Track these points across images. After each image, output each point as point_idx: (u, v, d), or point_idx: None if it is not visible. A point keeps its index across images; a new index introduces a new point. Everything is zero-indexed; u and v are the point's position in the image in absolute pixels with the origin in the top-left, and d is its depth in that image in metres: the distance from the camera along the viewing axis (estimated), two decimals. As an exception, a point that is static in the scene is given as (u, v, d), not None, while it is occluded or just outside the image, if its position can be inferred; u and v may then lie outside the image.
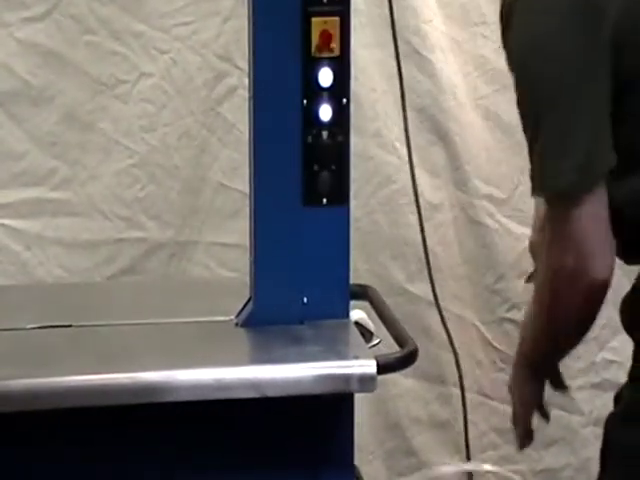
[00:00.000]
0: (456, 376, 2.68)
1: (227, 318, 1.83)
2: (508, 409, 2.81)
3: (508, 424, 2.81)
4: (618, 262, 1.69)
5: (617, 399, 1.79)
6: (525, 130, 1.66)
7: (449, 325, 2.70)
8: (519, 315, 2.79)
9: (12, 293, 2.29)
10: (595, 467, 2.37)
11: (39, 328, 1.87)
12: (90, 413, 1.65)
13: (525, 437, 1.97)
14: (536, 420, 2.06)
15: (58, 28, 2.56)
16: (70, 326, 1.89)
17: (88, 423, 1.68)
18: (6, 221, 2.58)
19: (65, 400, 1.65)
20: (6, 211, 2.56)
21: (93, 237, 2.60)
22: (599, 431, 2.40)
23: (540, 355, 1.82)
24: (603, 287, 1.63)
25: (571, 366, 2.86)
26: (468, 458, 2.66)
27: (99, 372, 1.64)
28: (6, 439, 1.68)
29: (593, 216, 1.61)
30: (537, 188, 1.65)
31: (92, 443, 1.71)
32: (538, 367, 1.87)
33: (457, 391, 2.69)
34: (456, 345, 2.71)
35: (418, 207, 2.58)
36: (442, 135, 2.71)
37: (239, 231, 2.47)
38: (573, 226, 1.61)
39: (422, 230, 2.62)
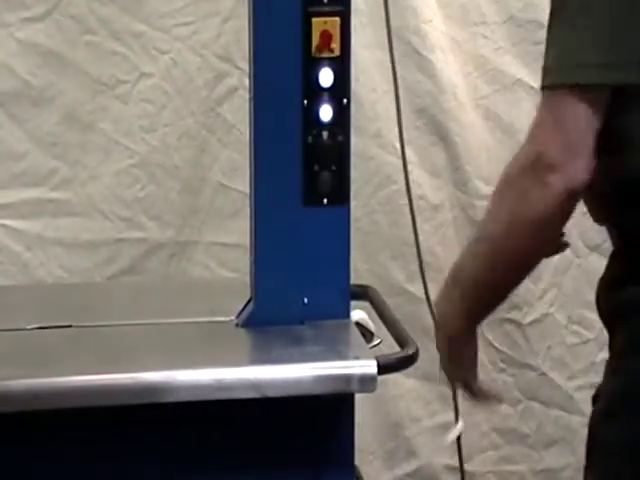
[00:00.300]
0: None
1: (227, 318, 1.84)
2: (509, 410, 2.83)
3: (509, 424, 2.84)
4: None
5: (596, 397, 1.76)
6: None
7: None
8: (519, 315, 2.81)
9: (13, 293, 2.29)
10: (595, 467, 2.38)
11: (40, 328, 1.87)
12: (90, 413, 1.65)
13: (476, 394, 1.82)
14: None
15: (58, 28, 2.56)
16: (70, 326, 1.88)
17: (88, 423, 1.68)
18: (7, 221, 2.58)
19: (65, 400, 1.65)
20: (7, 211, 2.57)
21: (93, 237, 2.60)
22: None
23: (478, 304, 1.70)
24: (575, 191, 1.57)
25: (571, 366, 2.88)
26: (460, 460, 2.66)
27: (99, 372, 1.64)
28: (6, 439, 1.68)
29: (589, 117, 1.56)
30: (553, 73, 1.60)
31: (92, 443, 1.71)
32: (473, 321, 1.75)
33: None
34: None
35: (411, 205, 2.58)
36: (442, 135, 2.71)
37: (239, 231, 2.48)
38: (569, 114, 1.56)
39: (415, 229, 2.61)
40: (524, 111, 2.67)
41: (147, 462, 1.74)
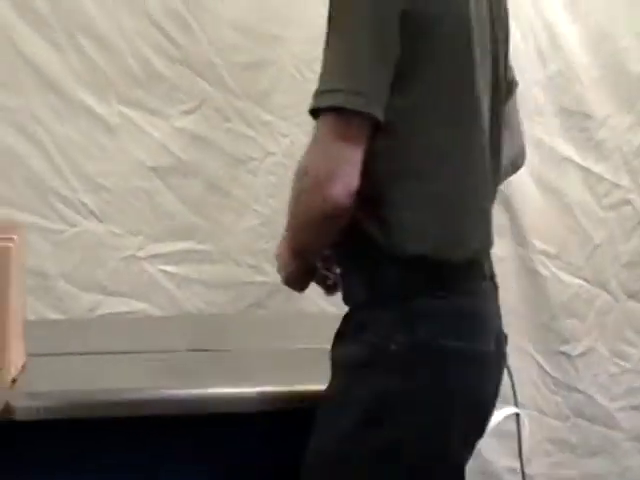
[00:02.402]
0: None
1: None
2: (559, 424, 2.80)
3: (560, 436, 2.80)
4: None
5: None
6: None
7: (510, 355, 2.66)
8: (569, 349, 2.78)
9: (166, 322, 2.34)
10: (633, 475, 2.35)
11: (187, 350, 1.90)
12: (222, 418, 1.63)
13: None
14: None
15: (204, 118, 2.61)
16: (212, 349, 1.91)
17: (222, 426, 1.66)
18: (163, 266, 2.58)
19: (204, 407, 1.65)
20: (163, 259, 2.58)
21: (228, 280, 2.60)
22: (639, 445, 2.40)
23: (298, 245, 1.51)
24: (338, 206, 1.37)
25: (613, 390, 2.84)
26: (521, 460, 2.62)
27: (230, 386, 1.65)
28: (159, 438, 1.67)
29: (354, 141, 1.36)
30: (318, 99, 1.37)
31: (221, 442, 1.66)
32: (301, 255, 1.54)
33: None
34: (517, 371, 2.68)
35: None
36: (505, 201, 2.67)
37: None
38: (338, 141, 1.35)
39: None
40: (571, 182, 2.68)
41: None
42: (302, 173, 1.41)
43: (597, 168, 2.71)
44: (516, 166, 1.70)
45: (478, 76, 1.44)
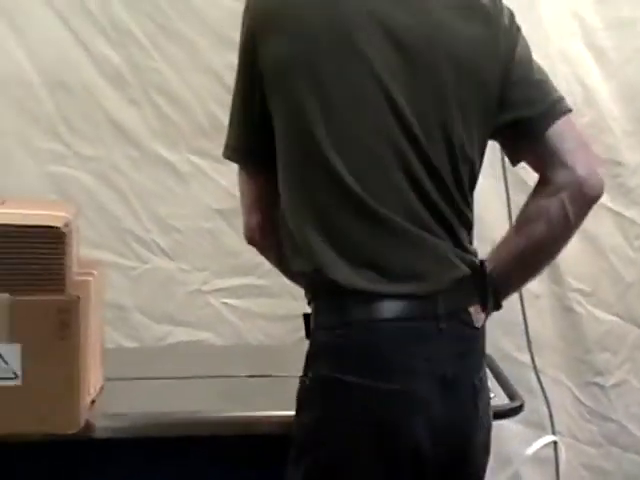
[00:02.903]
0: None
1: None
2: (594, 451, 2.78)
3: (594, 462, 2.78)
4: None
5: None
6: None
7: (548, 386, 2.66)
8: (603, 380, 2.73)
9: (229, 351, 2.36)
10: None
11: (247, 376, 1.94)
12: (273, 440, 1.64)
13: None
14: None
15: None
16: (270, 376, 1.95)
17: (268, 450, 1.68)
18: (226, 300, 2.60)
19: (262, 428, 1.70)
20: (226, 292, 2.59)
21: (286, 312, 2.56)
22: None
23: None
24: (252, 236, 1.59)
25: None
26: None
27: (288, 409, 1.61)
28: (219, 458, 1.73)
29: (245, 183, 1.58)
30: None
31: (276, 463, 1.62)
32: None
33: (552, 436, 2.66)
34: (554, 401, 2.68)
35: (520, 295, 2.55)
36: None
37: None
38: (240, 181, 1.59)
39: (524, 314, 2.58)
40: (604, 225, 2.66)
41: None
42: None
43: (628, 213, 2.70)
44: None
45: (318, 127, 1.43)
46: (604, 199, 2.71)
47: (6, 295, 1.64)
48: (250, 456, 1.74)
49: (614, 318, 2.73)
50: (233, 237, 2.58)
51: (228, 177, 2.56)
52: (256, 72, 1.49)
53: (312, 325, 1.51)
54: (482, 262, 1.51)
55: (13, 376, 1.63)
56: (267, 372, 1.97)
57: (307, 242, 1.47)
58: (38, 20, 2.52)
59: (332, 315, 1.46)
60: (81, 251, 1.84)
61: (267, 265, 2.61)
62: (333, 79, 1.43)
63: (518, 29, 1.52)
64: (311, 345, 1.49)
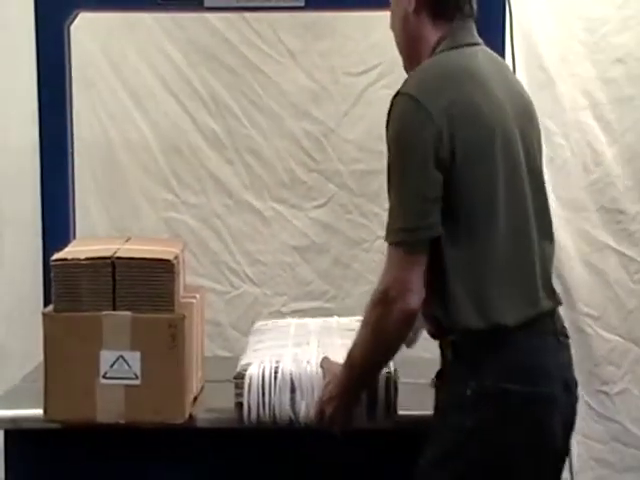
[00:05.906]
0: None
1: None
2: (601, 446, 2.69)
3: (600, 456, 2.67)
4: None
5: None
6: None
7: None
8: (608, 389, 2.69)
9: None
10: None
11: None
12: None
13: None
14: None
15: (332, 211, 2.66)
16: None
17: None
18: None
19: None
20: (301, 313, 2.51)
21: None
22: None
23: (369, 364, 1.53)
24: (413, 312, 1.43)
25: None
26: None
27: None
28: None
29: (415, 264, 1.42)
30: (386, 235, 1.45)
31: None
32: (362, 385, 1.57)
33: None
34: None
35: None
36: (559, 275, 2.57)
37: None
38: (404, 266, 1.42)
39: None
40: (610, 262, 2.64)
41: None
42: (381, 294, 1.45)
43: (630, 252, 2.68)
44: None
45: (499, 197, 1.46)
46: (610, 241, 2.73)
47: (129, 313, 1.68)
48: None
49: (618, 338, 2.70)
50: (306, 269, 2.66)
51: (302, 220, 2.68)
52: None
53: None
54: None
55: (134, 377, 1.68)
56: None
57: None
58: (157, 98, 2.64)
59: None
60: (187, 279, 1.89)
61: (333, 292, 2.68)
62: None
63: None
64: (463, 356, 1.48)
